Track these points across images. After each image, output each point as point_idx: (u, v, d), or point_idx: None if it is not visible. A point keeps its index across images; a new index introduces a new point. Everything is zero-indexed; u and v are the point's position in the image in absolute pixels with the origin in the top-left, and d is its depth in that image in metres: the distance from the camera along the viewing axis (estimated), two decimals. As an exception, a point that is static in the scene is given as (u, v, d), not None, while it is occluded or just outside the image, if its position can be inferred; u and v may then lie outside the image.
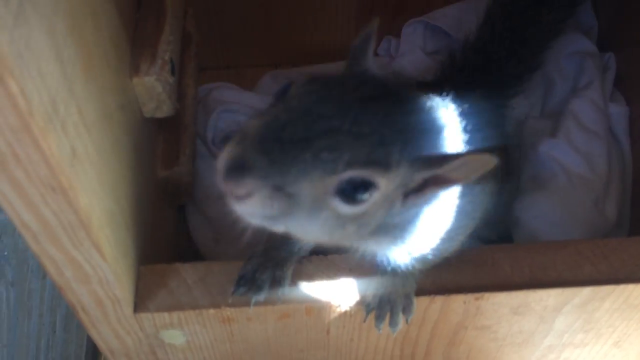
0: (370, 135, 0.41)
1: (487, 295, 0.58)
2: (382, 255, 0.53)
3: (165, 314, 0.58)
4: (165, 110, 0.65)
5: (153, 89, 0.62)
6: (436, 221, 0.51)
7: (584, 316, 0.62)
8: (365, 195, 0.42)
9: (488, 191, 0.59)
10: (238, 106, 0.85)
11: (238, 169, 0.39)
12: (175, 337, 0.62)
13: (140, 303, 0.58)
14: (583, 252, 0.59)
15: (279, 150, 0.40)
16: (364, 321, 0.59)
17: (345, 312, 0.59)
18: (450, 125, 0.49)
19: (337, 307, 0.58)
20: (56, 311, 0.92)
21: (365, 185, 0.42)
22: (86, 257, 0.48)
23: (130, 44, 0.62)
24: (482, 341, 0.67)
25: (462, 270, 0.59)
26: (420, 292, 0.58)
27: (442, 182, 0.45)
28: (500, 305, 0.60)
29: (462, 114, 0.56)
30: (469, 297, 0.58)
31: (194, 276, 0.59)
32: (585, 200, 0.77)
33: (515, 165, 0.80)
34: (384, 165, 0.42)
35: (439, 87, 0.68)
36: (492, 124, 0.72)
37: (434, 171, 0.44)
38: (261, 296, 0.56)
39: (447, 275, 0.59)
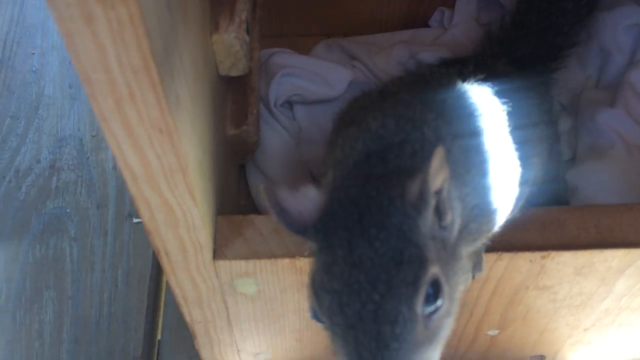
0: (387, 263, 0.43)
1: (553, 254, 0.60)
2: None
3: (242, 262, 0.61)
4: (240, 68, 0.67)
5: (231, 47, 0.64)
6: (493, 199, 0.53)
7: (646, 279, 0.64)
8: (439, 288, 0.45)
9: (537, 156, 0.61)
10: (298, 70, 0.87)
11: None
12: (247, 286, 0.65)
13: (218, 251, 0.61)
14: (649, 215, 0.60)
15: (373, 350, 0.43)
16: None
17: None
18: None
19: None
20: (118, 267, 0.96)
21: (432, 283, 0.44)
22: (179, 200, 0.51)
23: (209, 1, 0.64)
24: (540, 302, 0.68)
25: (529, 230, 0.61)
26: (488, 249, 0.60)
27: (440, 193, 0.46)
28: (565, 264, 0.61)
29: (499, 92, 0.57)
30: (536, 256, 0.60)
31: (269, 227, 0.62)
32: (644, 169, 0.77)
33: (567, 136, 0.81)
34: (418, 259, 0.44)
35: (471, 63, 0.70)
36: (532, 100, 0.73)
37: (428, 201, 0.45)
38: None
39: (515, 233, 0.60)
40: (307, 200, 0.47)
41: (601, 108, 0.82)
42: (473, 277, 0.60)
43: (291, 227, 0.48)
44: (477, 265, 0.59)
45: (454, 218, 0.48)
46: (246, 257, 0.60)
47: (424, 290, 0.44)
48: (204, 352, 0.80)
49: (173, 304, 0.92)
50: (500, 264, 0.61)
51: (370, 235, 0.44)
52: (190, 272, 0.62)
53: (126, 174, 0.48)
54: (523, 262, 0.61)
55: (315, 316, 0.48)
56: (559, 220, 0.61)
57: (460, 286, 0.49)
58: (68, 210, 1.02)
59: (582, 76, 0.91)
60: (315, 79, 0.85)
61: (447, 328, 0.47)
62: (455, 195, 0.49)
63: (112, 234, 0.99)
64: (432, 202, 0.45)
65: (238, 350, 0.80)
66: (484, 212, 0.53)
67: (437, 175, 0.44)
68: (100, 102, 0.40)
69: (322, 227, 0.47)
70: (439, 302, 0.45)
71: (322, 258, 0.46)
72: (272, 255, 0.60)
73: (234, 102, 0.75)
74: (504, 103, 0.60)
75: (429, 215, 0.45)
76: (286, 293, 0.66)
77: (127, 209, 1.01)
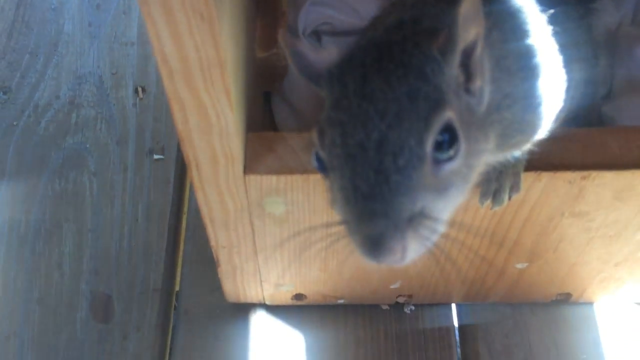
0: (401, 98, 0.41)
1: (594, 174, 0.58)
2: None
3: (273, 177, 0.59)
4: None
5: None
6: (533, 93, 0.51)
7: (685, 206, 0.62)
8: (455, 137, 0.42)
9: (577, 68, 0.59)
10: None
11: (375, 244, 0.40)
12: (276, 205, 0.63)
13: (249, 165, 0.59)
14: (695, 137, 0.59)
15: (373, 200, 0.40)
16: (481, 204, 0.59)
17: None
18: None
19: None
20: (138, 202, 0.95)
21: (445, 132, 0.42)
22: (214, 101, 0.50)
23: None
24: (574, 231, 0.67)
25: (569, 150, 0.59)
26: (527, 167, 0.58)
27: (472, 52, 0.44)
28: (605, 187, 0.60)
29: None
30: (575, 176, 0.58)
31: (301, 144, 0.60)
32: (681, 104, 0.75)
33: (603, 72, 0.79)
34: (436, 102, 0.41)
35: None
36: (573, 17, 0.70)
37: (455, 49, 0.43)
38: None
39: (555, 153, 0.59)
40: (327, 54, 0.46)
41: (637, 42, 0.80)
42: (509, 198, 0.59)
43: (304, 71, 0.46)
44: (515, 186, 0.58)
45: (483, 86, 0.46)
46: (277, 172, 0.59)
47: (436, 128, 0.41)
48: (226, 281, 0.80)
49: (193, 240, 0.91)
50: (538, 185, 0.60)
51: (388, 71, 0.42)
52: (220, 188, 0.61)
53: (163, 68, 0.47)
54: (562, 184, 0.59)
55: (317, 160, 0.45)
56: (601, 141, 0.59)
57: (478, 167, 0.46)
58: (88, 146, 1.01)
59: (616, 15, 0.88)
60: (345, 9, 0.83)
61: (458, 189, 0.44)
62: (487, 65, 0.47)
63: (132, 169, 0.98)
64: (460, 50, 0.43)
65: (261, 281, 0.79)
66: (519, 104, 0.50)
67: (469, 23, 0.42)
68: (142, -23, 0.39)
69: (337, 70, 0.45)
70: (451, 152, 0.42)
71: (332, 97, 0.44)
72: (304, 171, 0.59)
73: (265, 26, 0.73)
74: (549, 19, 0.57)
75: (454, 65, 0.43)
76: (315, 215, 0.65)
77: (147, 146, 1.00)
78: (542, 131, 0.55)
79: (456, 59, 0.43)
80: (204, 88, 0.48)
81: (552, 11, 0.55)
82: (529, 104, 0.51)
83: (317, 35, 0.86)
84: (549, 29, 0.54)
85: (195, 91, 0.48)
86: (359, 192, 0.40)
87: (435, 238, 0.43)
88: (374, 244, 0.40)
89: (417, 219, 0.41)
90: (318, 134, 0.44)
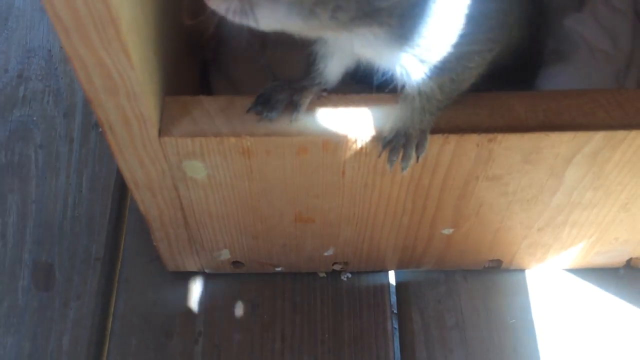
0: None
1: (500, 137, 0.60)
2: (398, 72, 0.54)
3: (188, 140, 0.60)
4: (192, -51, 0.65)
5: None
6: (438, 17, 0.51)
7: (595, 169, 0.64)
8: None
9: (509, 15, 0.59)
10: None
11: None
12: (197, 169, 0.64)
13: (164, 128, 0.60)
14: (598, 100, 0.60)
15: None
16: (379, 156, 0.61)
17: (361, 149, 0.61)
18: None
19: (353, 141, 0.60)
20: (83, 173, 0.96)
21: None
22: (114, 60, 0.50)
23: None
24: (492, 195, 0.68)
25: (477, 113, 0.60)
26: (435, 130, 0.60)
27: None
28: (513, 150, 0.61)
29: None
30: (482, 139, 0.60)
31: (216, 107, 0.61)
32: (606, 73, 0.77)
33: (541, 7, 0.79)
34: None
35: None
36: None
37: None
38: (273, 114, 0.58)
39: (462, 116, 0.60)
40: None
41: (568, 13, 0.81)
42: (417, 159, 0.60)
43: None
44: (420, 145, 0.59)
45: None
46: (192, 134, 0.60)
47: None
48: (163, 250, 0.81)
49: (137, 211, 0.92)
50: (448, 148, 0.61)
51: None
52: (137, 150, 0.61)
53: (58, 26, 0.47)
54: (471, 147, 0.61)
55: None
56: (508, 104, 0.60)
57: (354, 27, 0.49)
58: (34, 119, 1.01)
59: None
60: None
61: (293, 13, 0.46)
62: None
63: (78, 141, 0.99)
64: None
65: (196, 249, 0.80)
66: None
67: None
68: None
69: None
70: None
71: None
72: (218, 134, 0.60)
73: (191, -8, 0.74)
74: None
75: None
76: (237, 179, 0.66)
77: (94, 119, 1.01)
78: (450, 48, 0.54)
79: None
80: (101, 46, 0.49)
81: None
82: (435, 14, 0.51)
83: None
84: None
85: (92, 49, 0.49)
86: None
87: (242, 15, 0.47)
88: None
89: None
90: None
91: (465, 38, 0.53)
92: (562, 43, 0.80)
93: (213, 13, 0.75)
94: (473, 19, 0.52)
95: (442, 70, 0.54)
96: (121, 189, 0.95)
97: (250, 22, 0.48)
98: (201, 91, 0.85)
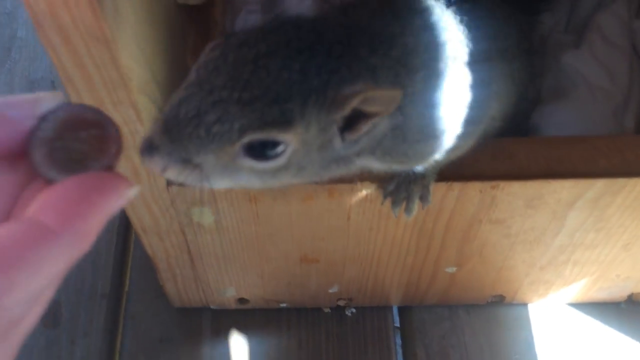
0: (262, 97, 0.42)
1: (502, 184, 0.60)
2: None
3: (196, 189, 0.61)
4: (198, -3, 0.66)
5: (187, -26, 0.63)
6: (427, 132, 0.51)
7: (596, 213, 0.65)
8: (277, 151, 0.43)
9: (500, 97, 0.61)
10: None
11: (147, 149, 0.43)
12: (204, 215, 0.65)
13: (172, 177, 0.61)
14: (599, 147, 0.61)
15: (176, 128, 0.42)
16: (382, 204, 0.62)
17: (366, 196, 0.62)
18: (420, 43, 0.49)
19: (358, 190, 0.61)
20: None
21: (273, 143, 0.43)
22: (124, 118, 0.51)
23: None
24: (495, 237, 0.69)
25: (479, 160, 0.61)
26: (438, 178, 0.60)
27: (369, 116, 0.44)
28: (515, 196, 0.62)
29: (469, 23, 0.55)
30: (485, 185, 0.61)
31: (223, 156, 0.62)
32: (605, 111, 0.78)
33: (537, 73, 0.81)
34: (282, 123, 0.42)
35: None
36: (514, 34, 0.72)
37: (344, 111, 0.44)
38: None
39: (465, 164, 0.61)
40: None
41: (566, 50, 0.82)
42: (423, 208, 0.61)
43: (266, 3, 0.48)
44: (424, 197, 0.60)
45: (360, 138, 0.46)
46: (199, 183, 0.61)
47: (262, 137, 0.42)
48: (168, 287, 0.82)
49: (142, 246, 0.93)
50: (452, 195, 0.62)
51: (287, 58, 0.43)
52: (145, 199, 0.62)
53: (68, 87, 0.48)
54: (474, 193, 0.62)
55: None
56: (509, 151, 0.61)
57: (329, 171, 0.48)
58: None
59: (550, 20, 0.90)
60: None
61: (251, 180, 0.46)
62: (381, 127, 0.47)
63: (83, 176, 0.99)
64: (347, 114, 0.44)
65: (202, 287, 0.81)
66: (404, 143, 0.51)
67: (378, 105, 0.43)
68: (32, 3, 0.40)
69: (280, 23, 0.46)
70: (264, 158, 0.43)
71: (238, 35, 0.46)
72: (225, 182, 0.61)
73: (197, 34, 0.75)
74: (480, 36, 0.56)
75: (340, 115, 0.44)
76: (243, 224, 0.67)
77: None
78: (441, 154, 0.55)
79: (346, 113, 0.44)
80: (112, 105, 0.50)
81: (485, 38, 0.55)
82: (416, 141, 0.51)
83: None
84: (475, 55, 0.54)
85: (103, 107, 0.50)
86: (182, 107, 0.43)
87: (196, 184, 0.45)
88: (149, 146, 0.43)
89: (191, 165, 0.44)
90: (223, 39, 0.46)
91: (453, 142, 0.53)
92: (560, 80, 0.81)
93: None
94: (456, 130, 0.53)
95: (438, 162, 0.55)
96: (126, 225, 0.96)
97: (204, 184, 0.46)
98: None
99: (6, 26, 1.14)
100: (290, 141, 0.43)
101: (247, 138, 0.42)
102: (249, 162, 0.44)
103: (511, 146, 0.61)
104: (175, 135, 0.42)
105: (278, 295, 0.84)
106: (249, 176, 0.45)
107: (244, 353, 0.85)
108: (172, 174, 0.44)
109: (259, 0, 0.84)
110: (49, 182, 0.36)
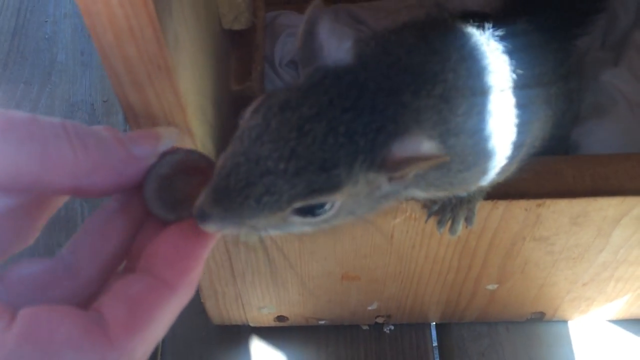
0: (309, 166, 0.42)
1: (548, 202, 0.61)
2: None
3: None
4: (243, 22, 0.68)
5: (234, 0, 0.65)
6: (470, 161, 0.52)
7: (642, 230, 0.64)
8: (324, 209, 0.44)
9: (538, 122, 0.61)
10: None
11: (200, 217, 0.42)
12: (250, 233, 0.66)
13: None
14: (645, 165, 0.61)
15: (227, 199, 0.42)
16: (425, 222, 0.62)
17: (411, 215, 0.63)
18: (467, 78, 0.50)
19: (403, 209, 0.62)
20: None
21: (320, 204, 0.43)
22: (179, 142, 0.52)
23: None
24: (538, 254, 0.69)
25: (524, 179, 0.61)
26: (484, 197, 0.61)
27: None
28: (561, 214, 0.62)
29: (506, 51, 0.56)
30: (531, 204, 0.61)
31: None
32: (645, 127, 0.78)
33: (575, 95, 0.81)
34: (330, 189, 0.42)
35: (491, 17, 0.67)
36: (550, 60, 0.72)
37: (396, 174, 0.44)
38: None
39: (511, 182, 0.61)
40: (343, 51, 0.46)
41: (605, 68, 0.82)
42: (467, 227, 0.61)
43: (305, 50, 0.46)
44: (469, 219, 0.60)
45: (408, 182, 0.47)
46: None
47: (312, 202, 0.42)
48: (209, 305, 0.83)
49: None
50: (496, 213, 0.62)
51: (337, 122, 0.42)
52: (193, 219, 0.63)
53: (128, 113, 0.50)
54: (519, 211, 0.62)
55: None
56: (555, 169, 0.61)
57: (379, 207, 0.48)
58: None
59: (587, 38, 0.90)
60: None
61: (303, 229, 0.46)
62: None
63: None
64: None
65: (243, 304, 0.82)
66: (452, 174, 0.51)
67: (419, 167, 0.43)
68: (100, 36, 0.42)
69: (320, 78, 0.45)
70: (312, 215, 0.43)
71: (296, 91, 0.45)
72: (272, 203, 0.62)
73: (239, 58, 0.76)
74: (517, 64, 0.57)
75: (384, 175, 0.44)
76: (287, 242, 0.68)
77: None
78: (485, 181, 0.55)
79: (397, 176, 0.44)
80: (169, 131, 0.51)
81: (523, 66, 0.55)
82: (460, 170, 0.52)
83: (294, 64, 0.89)
84: (515, 84, 0.54)
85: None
86: (231, 178, 0.42)
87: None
88: (202, 215, 0.41)
89: (244, 226, 0.43)
90: (263, 99, 0.46)
91: (495, 168, 0.54)
92: (599, 97, 0.81)
93: (257, 78, 0.78)
94: (498, 157, 0.53)
95: (482, 187, 0.56)
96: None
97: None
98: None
99: (47, 51, 1.17)
100: (337, 199, 0.43)
101: (296, 205, 0.43)
102: (299, 219, 0.44)
103: (557, 164, 0.61)
104: (227, 205, 0.42)
105: (317, 313, 0.84)
106: (301, 227, 0.45)
107: (283, 370, 0.86)
108: (227, 233, 0.44)
109: (298, 24, 0.86)
110: (158, 220, 0.40)
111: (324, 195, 0.42)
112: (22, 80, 1.14)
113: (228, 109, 0.74)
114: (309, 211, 0.43)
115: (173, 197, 0.39)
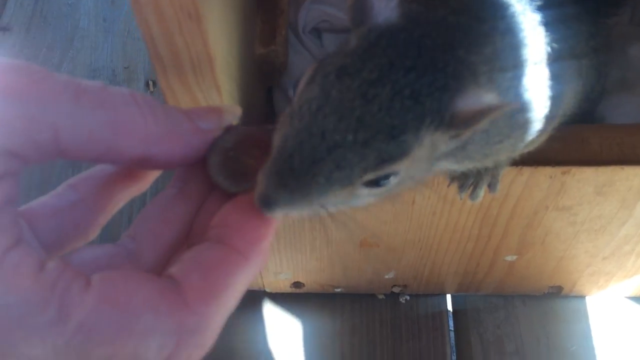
0: (377, 135, 0.40)
1: (574, 170, 0.60)
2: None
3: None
4: (269, -17, 0.68)
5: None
6: (507, 132, 0.51)
7: (667, 202, 0.64)
8: (390, 179, 0.43)
9: (570, 94, 0.60)
10: (327, -2, 0.88)
11: (265, 205, 0.40)
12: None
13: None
14: (674, 134, 0.60)
15: (294, 181, 0.40)
16: (447, 186, 0.62)
17: (433, 179, 0.62)
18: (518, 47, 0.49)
19: (426, 173, 0.61)
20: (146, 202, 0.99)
21: (386, 175, 0.42)
22: (206, 96, 0.52)
23: None
24: (560, 224, 0.69)
25: (550, 146, 0.61)
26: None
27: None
28: (586, 182, 0.62)
29: (543, 22, 0.55)
30: (556, 171, 0.60)
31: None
32: (673, 102, 0.77)
33: (603, 68, 0.80)
34: (399, 156, 0.41)
35: None
36: (584, 31, 0.71)
37: (469, 129, 0.42)
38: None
39: (536, 149, 0.61)
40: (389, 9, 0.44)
41: (633, 42, 0.81)
42: (490, 193, 0.61)
43: (356, 9, 0.45)
44: (493, 186, 0.60)
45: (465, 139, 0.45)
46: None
47: (379, 174, 0.41)
48: (227, 269, 0.83)
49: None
50: (520, 179, 0.62)
51: (402, 85, 0.41)
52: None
53: (157, 64, 0.50)
54: (543, 178, 0.61)
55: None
56: (582, 137, 0.61)
57: (431, 172, 0.48)
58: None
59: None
60: (345, 7, 0.85)
61: (369, 201, 0.44)
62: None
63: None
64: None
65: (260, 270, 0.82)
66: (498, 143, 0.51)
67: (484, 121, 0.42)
68: (133, -19, 0.42)
69: (375, 39, 0.43)
70: (379, 186, 0.42)
71: (354, 50, 0.43)
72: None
73: (264, 22, 0.76)
74: (553, 36, 0.55)
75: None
76: (308, 206, 0.68)
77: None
78: (516, 152, 0.55)
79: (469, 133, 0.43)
80: (196, 82, 0.51)
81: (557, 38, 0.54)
82: (497, 142, 0.51)
83: (317, 32, 0.89)
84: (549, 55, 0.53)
85: (187, 86, 0.51)
86: (295, 158, 0.40)
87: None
88: (266, 202, 0.40)
89: (315, 206, 0.42)
90: (316, 68, 0.44)
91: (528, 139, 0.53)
92: (626, 71, 0.80)
93: (282, 43, 0.77)
94: (533, 128, 0.52)
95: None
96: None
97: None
98: (266, 111, 0.87)
99: (69, 16, 1.17)
100: (406, 166, 0.42)
101: (368, 177, 0.41)
102: (366, 191, 0.43)
103: (583, 132, 0.61)
104: (294, 187, 0.40)
105: (334, 280, 0.84)
106: (367, 199, 0.44)
107: (297, 336, 0.86)
108: (296, 215, 0.43)
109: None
110: (219, 198, 0.41)
111: (394, 164, 0.41)
112: (44, 45, 1.15)
113: (252, 73, 0.74)
114: (375, 182, 0.42)
115: (238, 169, 0.40)
